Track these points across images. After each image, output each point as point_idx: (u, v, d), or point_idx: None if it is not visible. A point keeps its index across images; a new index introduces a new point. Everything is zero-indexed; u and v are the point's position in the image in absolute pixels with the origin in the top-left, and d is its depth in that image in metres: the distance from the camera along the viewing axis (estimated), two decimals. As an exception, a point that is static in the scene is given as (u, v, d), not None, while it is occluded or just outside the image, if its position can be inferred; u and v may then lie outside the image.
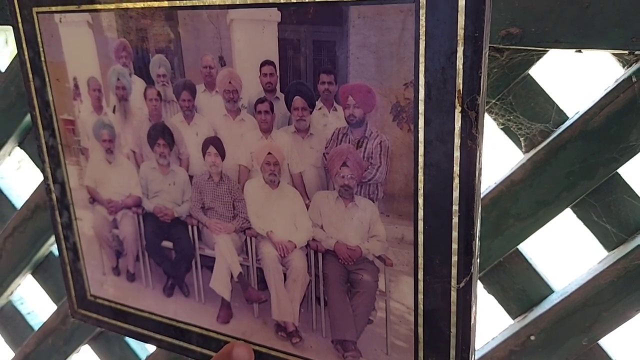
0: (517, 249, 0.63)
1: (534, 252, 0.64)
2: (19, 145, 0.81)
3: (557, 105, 0.58)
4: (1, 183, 0.85)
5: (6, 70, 0.77)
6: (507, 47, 0.51)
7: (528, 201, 0.59)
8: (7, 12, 0.62)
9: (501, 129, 0.60)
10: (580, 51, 0.50)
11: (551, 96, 0.58)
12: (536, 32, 0.49)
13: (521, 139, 0.60)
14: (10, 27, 0.71)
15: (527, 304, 0.64)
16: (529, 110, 0.59)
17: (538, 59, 0.56)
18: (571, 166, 0.57)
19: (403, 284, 0.48)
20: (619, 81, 0.55)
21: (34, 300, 0.92)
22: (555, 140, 0.57)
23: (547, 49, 0.51)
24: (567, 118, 0.58)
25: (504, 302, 0.65)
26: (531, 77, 0.58)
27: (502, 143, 0.65)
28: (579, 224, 0.61)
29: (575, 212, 0.60)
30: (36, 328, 0.88)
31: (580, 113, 0.56)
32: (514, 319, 0.65)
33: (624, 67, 0.55)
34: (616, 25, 0.47)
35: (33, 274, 0.85)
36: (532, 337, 0.63)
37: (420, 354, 0.49)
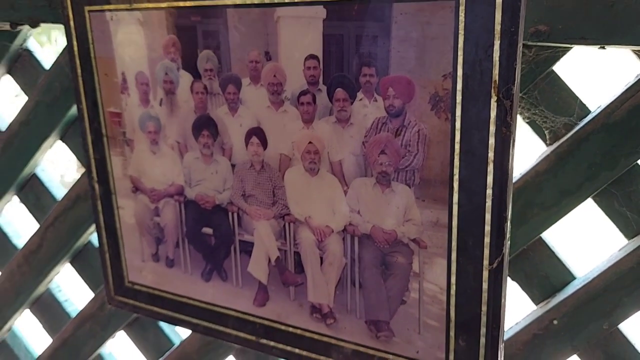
0: (541, 237, 0.66)
1: (557, 240, 0.67)
2: (60, 139, 0.85)
3: (580, 100, 0.61)
4: (42, 175, 0.89)
5: (50, 67, 0.81)
6: (535, 43, 0.54)
7: (552, 191, 0.62)
8: (58, 11, 0.66)
9: (527, 122, 0.63)
10: (603, 47, 0.53)
11: (574, 91, 0.62)
12: (563, 29, 0.52)
13: (546, 131, 0.63)
14: (56, 27, 0.76)
15: (550, 290, 0.67)
16: (553, 104, 0.62)
17: (562, 55, 0.59)
18: (593, 158, 0.60)
19: (437, 265, 0.51)
20: (639, 77, 0.58)
21: (70, 288, 0.96)
22: (578, 133, 0.60)
23: (572, 45, 0.54)
24: (589, 112, 0.61)
25: (528, 288, 0.68)
26: (555, 73, 0.61)
27: (525, 135, 0.68)
28: (600, 212, 0.64)
29: (596, 201, 0.63)
30: (73, 315, 0.91)
31: (603, 107, 0.59)
32: (537, 304, 0.68)
33: (644, 64, 0.58)
34: (639, 23, 0.50)
35: (71, 262, 0.89)
36: (555, 322, 0.65)
37: (452, 332, 0.52)
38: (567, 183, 0.61)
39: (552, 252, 0.66)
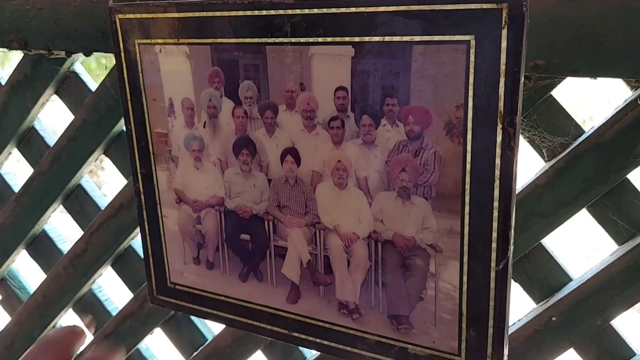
0: (540, 243, 0.74)
1: (555, 246, 0.75)
2: (104, 153, 0.94)
3: (575, 121, 0.69)
4: (86, 185, 0.98)
5: (96, 89, 0.90)
6: (535, 75, 0.62)
7: (550, 202, 0.70)
8: (110, 42, 0.75)
9: (527, 141, 0.71)
10: (595, 78, 0.62)
11: (570, 113, 0.70)
12: (558, 63, 0.61)
13: (544, 149, 0.71)
14: (104, 54, 0.85)
15: (549, 290, 0.75)
16: (551, 125, 0.70)
17: (559, 82, 0.67)
18: (587, 173, 0.68)
19: (450, 267, 0.59)
20: (627, 101, 0.66)
21: (111, 288, 1.05)
22: (574, 151, 0.68)
23: (567, 77, 0.62)
24: (583, 132, 0.69)
25: (529, 288, 0.76)
26: (553, 97, 0.69)
27: (526, 153, 0.76)
28: (594, 221, 0.72)
29: (590, 211, 0.71)
30: (113, 313, 1.00)
31: (595, 128, 0.67)
32: (537, 303, 0.76)
33: (631, 90, 0.66)
34: (625, 58, 0.58)
35: (113, 265, 0.97)
36: (554, 318, 0.73)
37: (464, 324, 0.60)
38: (564, 195, 0.69)
39: (551, 256, 0.74)
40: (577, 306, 0.72)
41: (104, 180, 3.91)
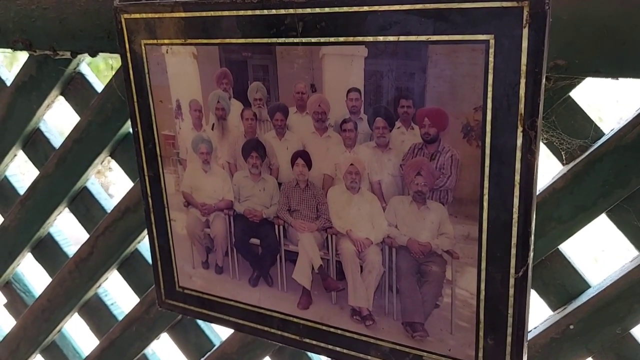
0: (558, 248, 0.72)
1: (573, 251, 0.73)
2: (110, 155, 0.92)
3: (594, 123, 0.67)
4: (92, 188, 0.96)
5: (103, 90, 0.88)
6: (554, 75, 0.60)
7: (568, 206, 0.68)
8: (116, 42, 0.74)
9: (544, 143, 0.69)
10: (617, 78, 0.59)
11: (589, 115, 0.68)
12: (579, 63, 0.59)
13: (562, 152, 0.69)
14: (113, 56, 0.83)
15: (566, 297, 0.73)
16: (569, 127, 0.68)
17: (578, 83, 0.65)
18: (607, 176, 0.66)
19: (468, 273, 0.57)
20: (649, 103, 0.64)
21: (116, 292, 1.04)
22: (593, 154, 0.66)
23: (587, 77, 0.60)
24: (603, 134, 0.67)
25: (545, 295, 0.74)
26: (572, 98, 0.67)
27: (543, 155, 0.74)
28: (613, 227, 0.69)
29: (609, 216, 0.69)
30: (119, 318, 0.98)
31: (615, 130, 0.65)
32: (554, 310, 0.74)
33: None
34: (648, 58, 0.56)
35: (119, 269, 0.96)
36: (571, 327, 0.71)
37: (481, 332, 0.58)
38: (583, 199, 0.67)
39: (569, 262, 0.72)
40: (595, 314, 0.70)
41: (112, 180, 3.91)
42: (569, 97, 0.67)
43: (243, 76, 0.65)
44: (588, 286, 0.73)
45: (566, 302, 0.73)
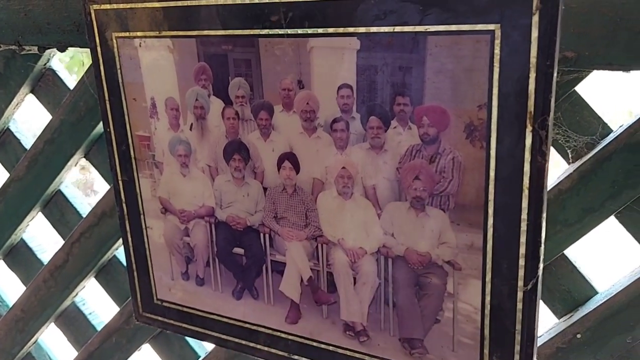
0: (563, 253, 0.67)
1: (579, 256, 0.69)
2: (84, 157, 0.86)
3: (602, 120, 0.63)
4: (67, 192, 0.90)
5: (75, 87, 0.82)
6: (562, 69, 0.55)
7: (574, 209, 0.63)
8: (85, 36, 0.67)
9: (549, 141, 0.65)
10: (629, 71, 0.55)
11: (596, 111, 0.63)
12: (590, 55, 0.54)
13: (568, 150, 0.64)
14: (84, 51, 0.77)
15: (572, 305, 0.69)
16: (575, 124, 0.63)
17: (585, 77, 0.60)
18: (615, 176, 0.61)
19: (471, 286, 0.53)
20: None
21: (95, 302, 0.98)
22: (601, 152, 0.62)
23: (598, 70, 0.56)
24: (611, 131, 0.63)
25: (550, 302, 0.70)
26: (578, 93, 0.62)
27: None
28: (622, 229, 0.65)
29: (618, 218, 0.65)
30: (98, 328, 0.93)
31: (625, 127, 0.61)
32: (559, 318, 0.70)
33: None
34: (664, 49, 0.52)
35: (96, 277, 0.90)
36: (579, 335, 0.67)
37: (486, 350, 0.54)
38: (590, 201, 0.63)
39: (575, 268, 0.68)
40: (604, 322, 0.66)
41: (96, 177, 3.81)
42: (575, 91, 0.62)
43: (223, 71, 0.60)
44: (596, 292, 0.68)
45: (572, 309, 0.69)
